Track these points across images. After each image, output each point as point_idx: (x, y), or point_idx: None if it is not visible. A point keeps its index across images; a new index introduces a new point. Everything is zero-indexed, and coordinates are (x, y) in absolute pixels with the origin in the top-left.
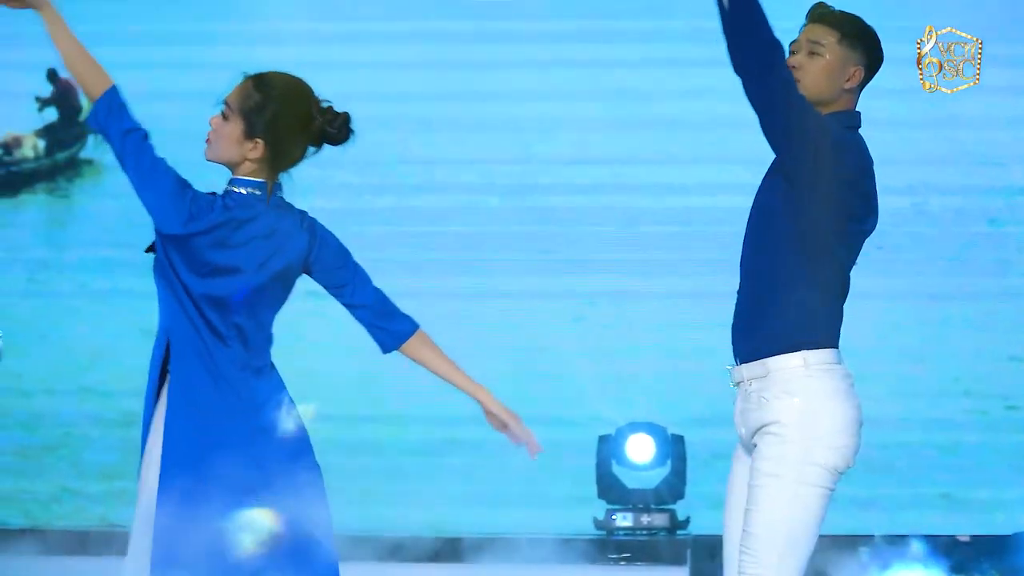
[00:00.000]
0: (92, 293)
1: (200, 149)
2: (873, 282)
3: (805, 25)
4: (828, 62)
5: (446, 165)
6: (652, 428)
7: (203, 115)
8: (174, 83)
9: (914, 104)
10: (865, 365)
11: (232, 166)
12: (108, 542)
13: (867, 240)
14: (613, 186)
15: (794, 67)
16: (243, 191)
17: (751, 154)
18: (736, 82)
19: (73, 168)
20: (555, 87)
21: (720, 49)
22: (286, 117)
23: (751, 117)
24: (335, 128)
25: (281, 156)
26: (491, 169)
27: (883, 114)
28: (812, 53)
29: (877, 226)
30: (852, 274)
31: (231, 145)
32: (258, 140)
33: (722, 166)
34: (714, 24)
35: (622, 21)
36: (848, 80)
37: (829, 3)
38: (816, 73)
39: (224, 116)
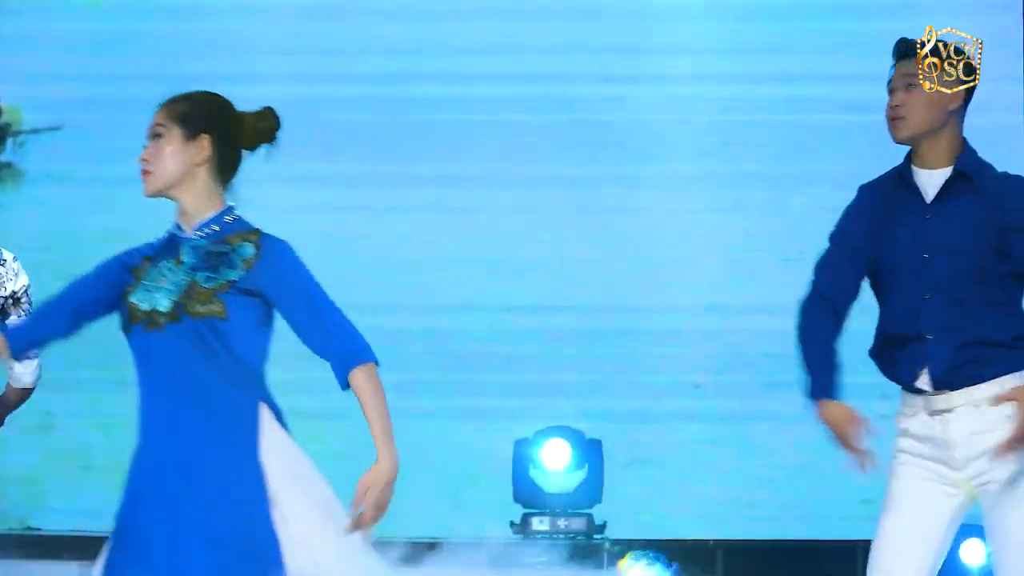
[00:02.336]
0: None
1: None
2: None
3: None
4: None
5: None
6: (568, 432)
7: None
8: None
9: None
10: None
11: (178, 186)
12: (28, 545)
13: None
14: None
15: None
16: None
17: None
18: None
19: None
20: None
21: None
22: (218, 101)
23: None
24: (268, 121)
25: (229, 144)
26: None
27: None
28: None
29: None
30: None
31: (174, 156)
32: (203, 135)
33: None
34: None
35: None
36: None
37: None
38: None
39: (155, 136)
